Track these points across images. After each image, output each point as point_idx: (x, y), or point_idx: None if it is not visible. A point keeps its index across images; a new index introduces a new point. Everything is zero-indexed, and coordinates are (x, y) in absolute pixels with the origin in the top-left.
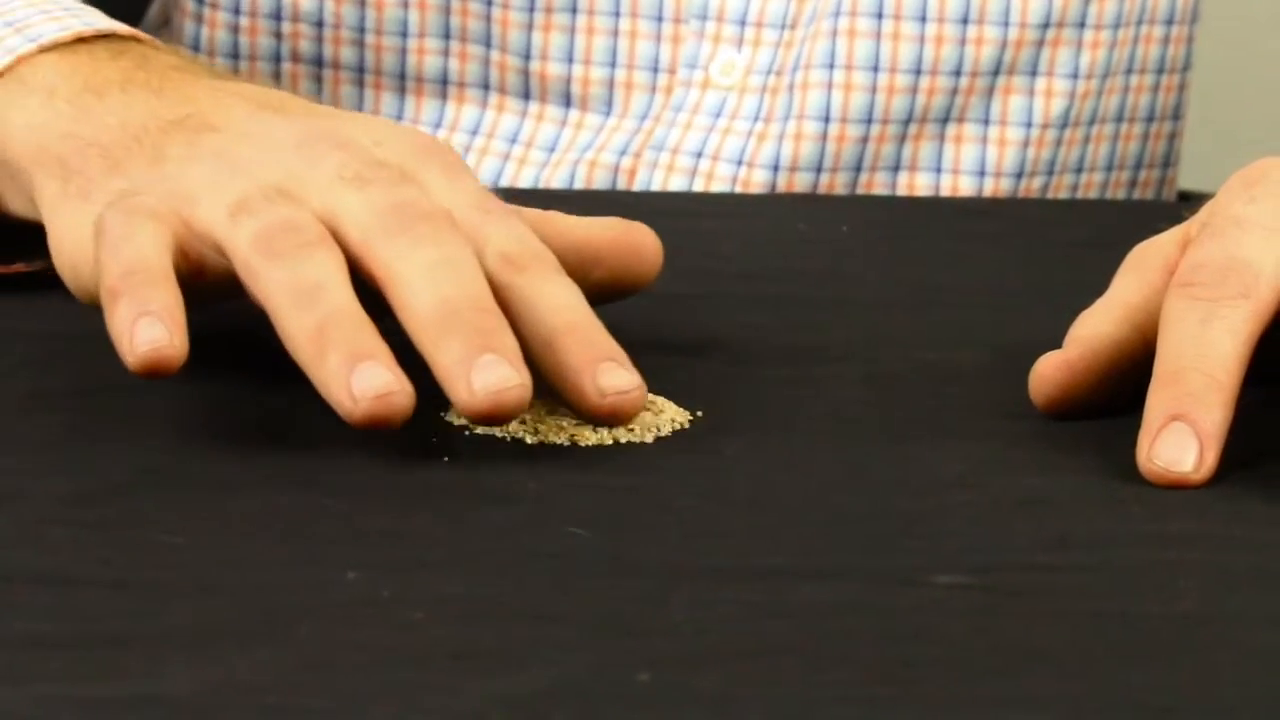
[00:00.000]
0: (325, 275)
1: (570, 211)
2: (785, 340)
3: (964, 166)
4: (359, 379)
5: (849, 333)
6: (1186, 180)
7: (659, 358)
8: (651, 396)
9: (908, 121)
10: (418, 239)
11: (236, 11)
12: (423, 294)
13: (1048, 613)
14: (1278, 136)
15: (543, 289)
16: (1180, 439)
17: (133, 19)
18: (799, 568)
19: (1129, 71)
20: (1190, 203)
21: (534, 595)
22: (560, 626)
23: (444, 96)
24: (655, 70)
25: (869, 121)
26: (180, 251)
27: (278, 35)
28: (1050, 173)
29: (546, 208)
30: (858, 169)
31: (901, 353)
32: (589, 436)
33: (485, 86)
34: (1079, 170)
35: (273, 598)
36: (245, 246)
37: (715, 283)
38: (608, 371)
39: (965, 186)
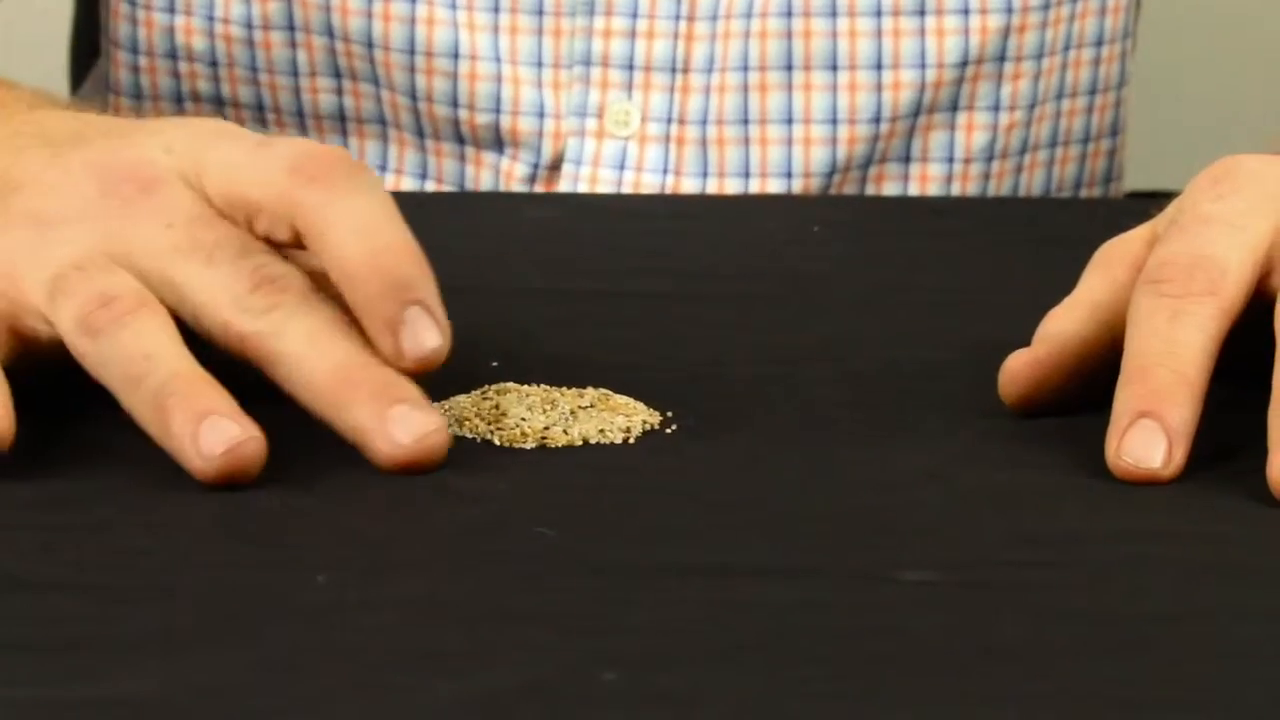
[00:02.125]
0: (151, 343)
1: (533, 211)
2: (755, 340)
3: None
4: (205, 436)
5: (818, 332)
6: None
7: (629, 358)
8: (622, 398)
9: (830, 174)
10: (290, 313)
11: (135, 51)
12: (306, 365)
13: (1015, 609)
14: (1227, 133)
15: (340, 205)
16: (1149, 436)
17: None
18: (766, 566)
19: (1060, 97)
20: (1157, 200)
21: (501, 596)
22: (527, 627)
23: (344, 132)
24: (541, 116)
25: (788, 176)
26: (9, 328)
27: (176, 75)
28: None
29: (516, 209)
30: None
31: (871, 351)
32: (559, 438)
33: (381, 122)
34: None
35: (241, 600)
36: (69, 331)
37: (685, 283)
38: (411, 323)
39: None
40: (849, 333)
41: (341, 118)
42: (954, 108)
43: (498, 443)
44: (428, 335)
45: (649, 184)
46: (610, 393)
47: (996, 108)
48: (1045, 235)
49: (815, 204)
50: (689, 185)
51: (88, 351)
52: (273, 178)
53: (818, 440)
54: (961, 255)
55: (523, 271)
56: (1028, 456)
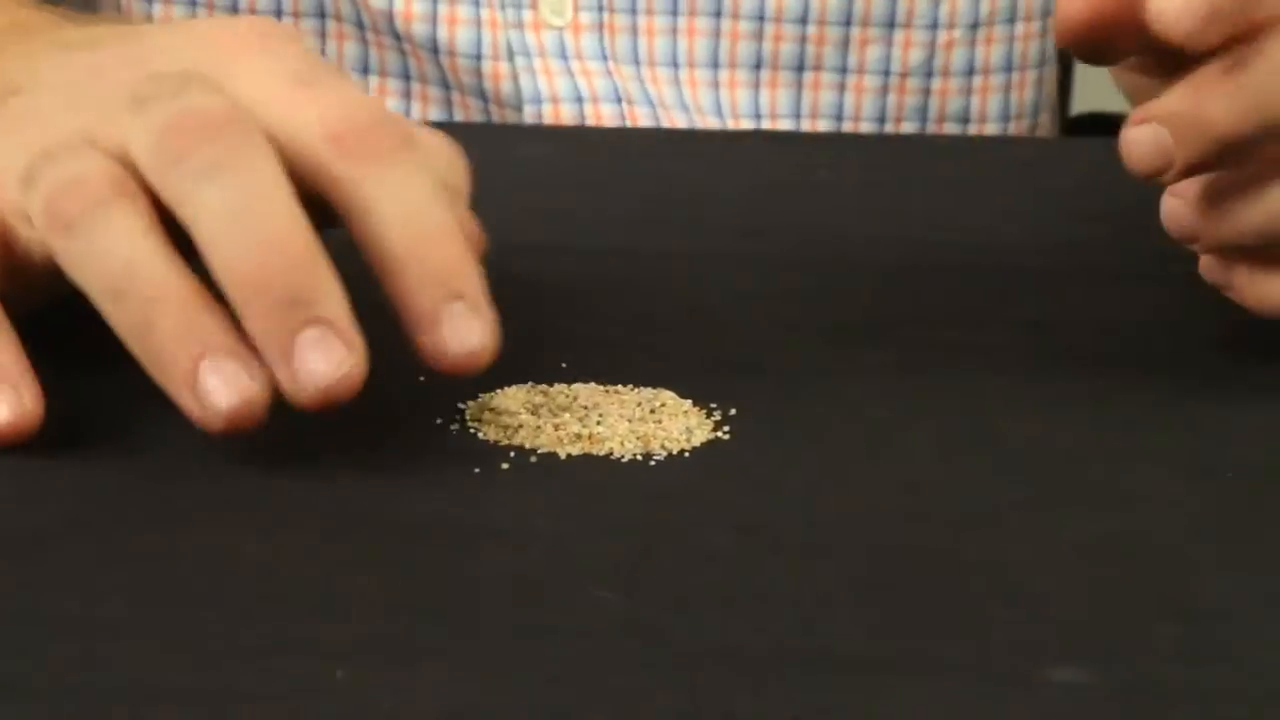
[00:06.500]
0: (129, 242)
1: (526, 148)
2: (789, 314)
3: (821, 113)
4: (205, 383)
5: (858, 304)
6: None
7: (651, 338)
8: (663, 395)
9: (757, 68)
10: (200, 167)
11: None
12: (222, 251)
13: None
14: None
15: (381, 184)
16: None
17: None
18: (880, 659)
19: (1011, 20)
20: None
21: (564, 698)
22: None
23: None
24: (477, 4)
25: (715, 67)
26: (1, 247)
27: (149, 17)
28: (923, 120)
29: (507, 145)
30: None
31: (921, 332)
32: (602, 446)
33: (321, 15)
34: (965, 121)
35: (238, 710)
36: (41, 228)
37: (695, 241)
38: (454, 318)
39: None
40: (891, 306)
41: (278, 12)
42: (890, 24)
43: (521, 439)
44: (469, 332)
45: (596, 70)
46: (660, 391)
47: (934, 26)
48: (1068, 182)
49: (815, 142)
50: (625, 72)
51: (60, 251)
52: (309, 137)
53: (888, 455)
54: (989, 208)
55: (519, 223)
56: (1137, 481)
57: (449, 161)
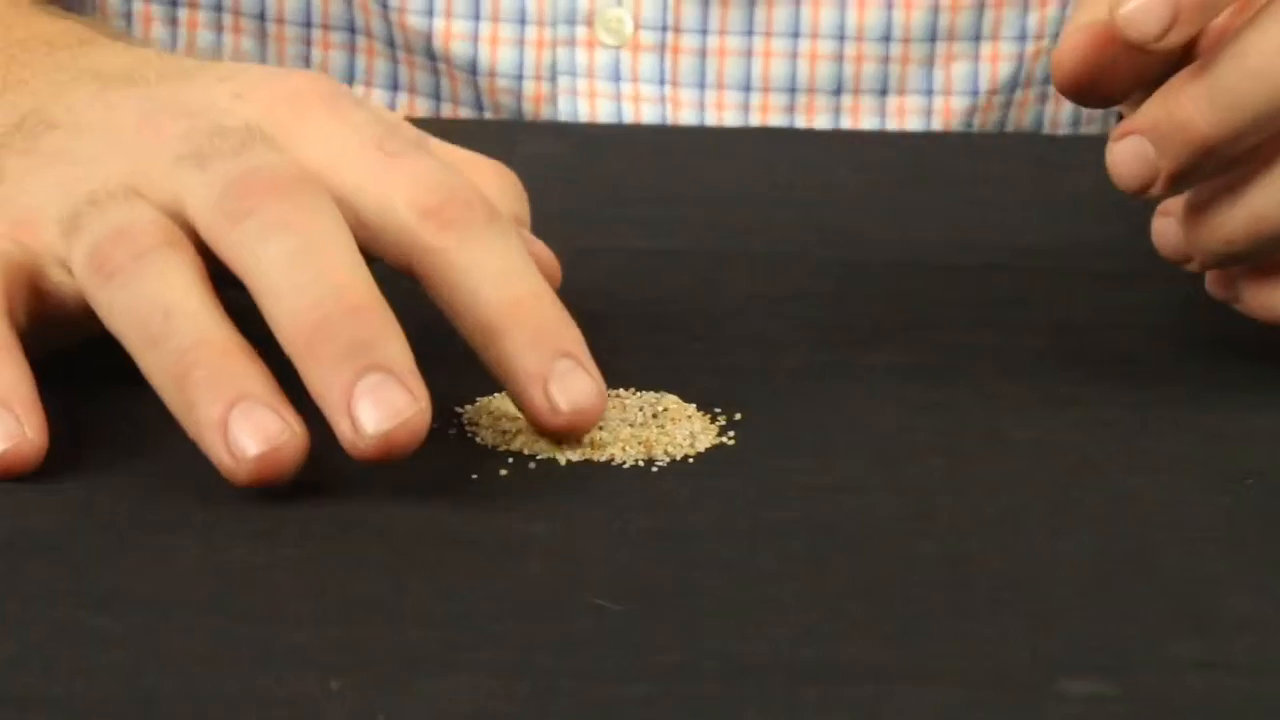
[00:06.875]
0: (171, 291)
1: (532, 145)
2: (801, 316)
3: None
4: (236, 429)
5: (867, 306)
6: None
7: (656, 339)
8: (667, 400)
9: (837, 93)
10: (265, 223)
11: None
12: (283, 300)
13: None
14: None
15: (474, 253)
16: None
17: None
18: (888, 667)
19: None
20: None
21: (563, 707)
22: None
23: (308, 41)
24: (523, 23)
25: (792, 91)
26: (29, 288)
27: (173, 21)
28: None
29: (511, 142)
30: None
31: (937, 335)
32: (604, 451)
33: (351, 30)
34: (1038, 129)
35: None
36: (81, 276)
37: (705, 240)
38: (563, 376)
39: None
40: (906, 309)
41: (308, 24)
42: (976, 37)
43: (523, 448)
44: (579, 391)
45: (649, 95)
46: (664, 394)
47: (1023, 37)
48: (1090, 180)
49: (830, 140)
50: (686, 96)
51: (100, 300)
52: (397, 209)
53: (901, 464)
54: (1008, 206)
55: None
56: (1154, 492)
57: (507, 189)
